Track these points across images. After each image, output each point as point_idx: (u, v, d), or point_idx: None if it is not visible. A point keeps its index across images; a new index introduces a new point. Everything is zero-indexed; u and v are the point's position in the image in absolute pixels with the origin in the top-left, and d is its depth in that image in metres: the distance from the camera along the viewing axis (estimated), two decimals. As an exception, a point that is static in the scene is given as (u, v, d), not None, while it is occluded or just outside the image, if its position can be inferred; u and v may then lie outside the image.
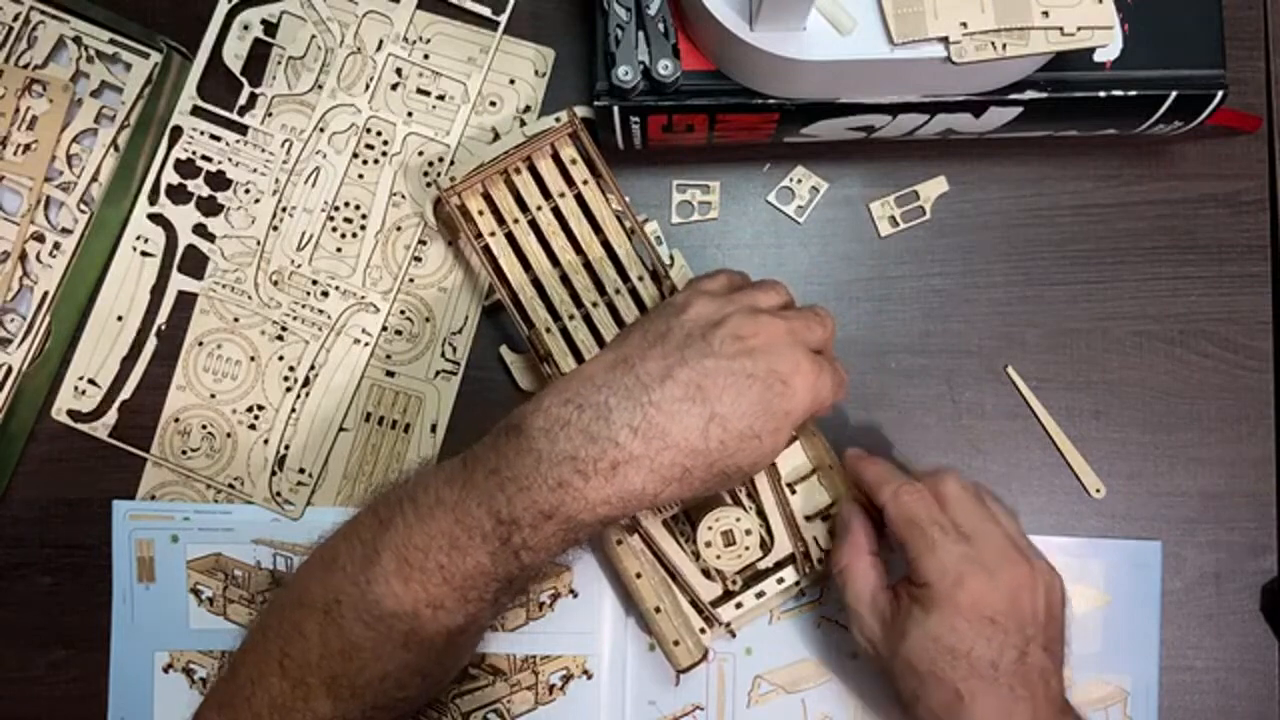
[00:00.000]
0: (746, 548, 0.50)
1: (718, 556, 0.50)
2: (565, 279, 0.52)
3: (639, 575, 0.49)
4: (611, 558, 0.50)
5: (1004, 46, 0.45)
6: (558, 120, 0.52)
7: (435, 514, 0.41)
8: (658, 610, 0.49)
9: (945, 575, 0.43)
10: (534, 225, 0.52)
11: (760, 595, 0.51)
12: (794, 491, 0.51)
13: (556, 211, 0.52)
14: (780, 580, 0.51)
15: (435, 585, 0.41)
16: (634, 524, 0.50)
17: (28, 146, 0.55)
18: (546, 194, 0.52)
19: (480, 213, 0.52)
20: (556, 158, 0.52)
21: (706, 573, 0.51)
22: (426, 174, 0.56)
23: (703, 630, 0.50)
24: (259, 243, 0.56)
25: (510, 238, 0.52)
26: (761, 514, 0.51)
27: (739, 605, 0.51)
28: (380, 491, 0.48)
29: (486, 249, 0.52)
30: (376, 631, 0.41)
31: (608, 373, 0.42)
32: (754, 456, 0.42)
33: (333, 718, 0.42)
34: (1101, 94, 0.49)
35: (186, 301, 0.56)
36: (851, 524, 0.48)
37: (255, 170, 0.56)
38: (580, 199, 0.52)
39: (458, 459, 0.44)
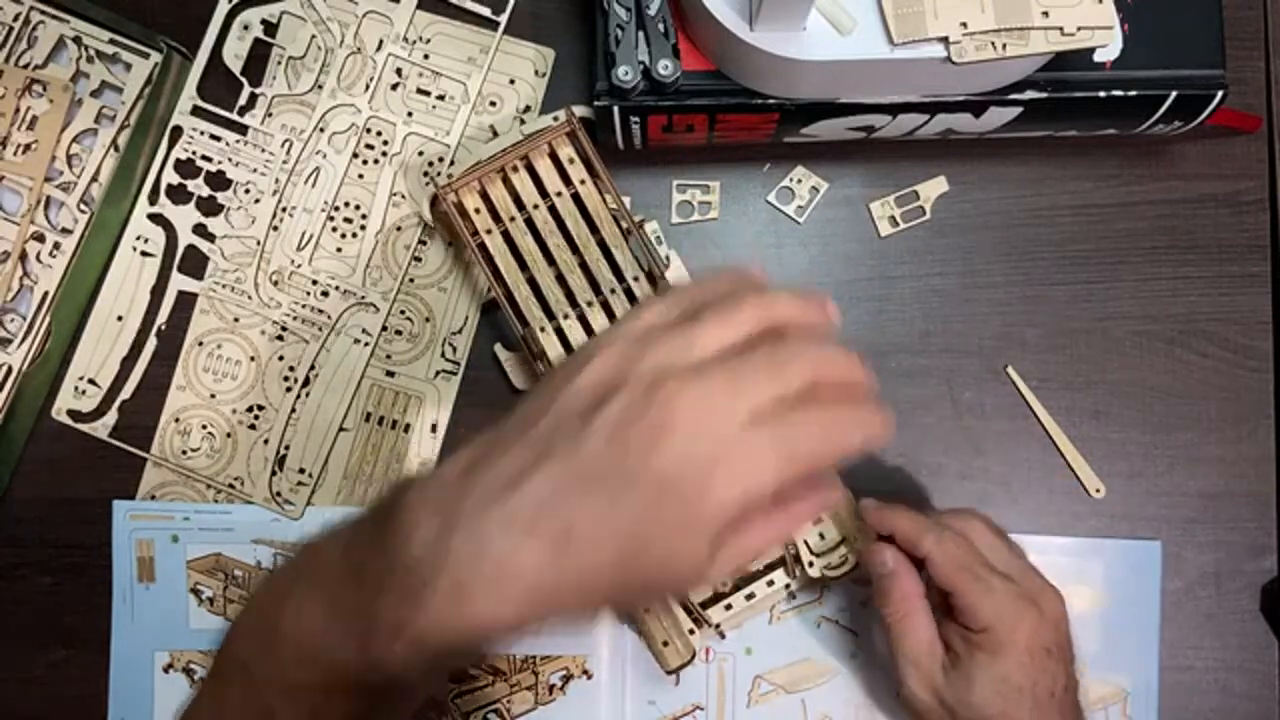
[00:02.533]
0: None
1: None
2: (561, 278, 0.52)
3: None
4: None
5: (1004, 46, 0.45)
6: (555, 120, 0.52)
7: (304, 607, 0.35)
8: (646, 611, 0.49)
9: (1003, 617, 0.44)
10: (530, 224, 0.52)
11: (750, 597, 0.51)
12: None
13: (553, 210, 0.52)
14: (770, 583, 0.51)
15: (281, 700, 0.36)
16: None
17: (28, 146, 0.55)
18: (544, 193, 0.52)
19: (477, 210, 0.52)
20: (554, 157, 0.52)
21: None
22: (426, 174, 0.56)
23: (692, 631, 0.50)
24: (259, 243, 0.56)
25: (506, 236, 0.52)
26: None
27: (729, 607, 0.51)
28: (297, 549, 0.41)
29: (482, 247, 0.52)
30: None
31: (467, 472, 0.34)
32: (652, 580, 0.33)
33: None
34: (1101, 94, 0.49)
35: (186, 301, 0.56)
36: (899, 571, 0.46)
37: (255, 170, 0.56)
38: (577, 198, 0.52)
39: (349, 527, 0.37)
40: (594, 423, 0.32)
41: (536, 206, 0.52)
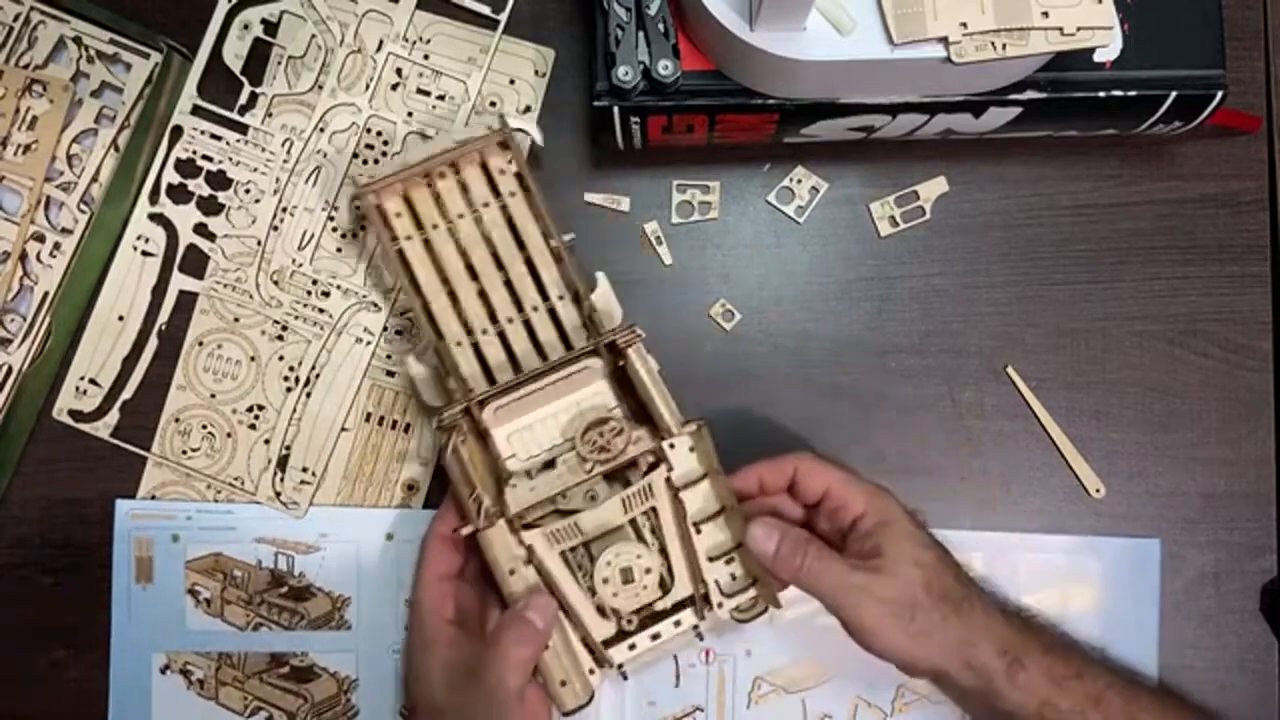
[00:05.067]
0: (645, 587, 0.47)
1: (614, 594, 0.47)
2: (483, 293, 0.50)
3: None
4: (502, 590, 0.47)
5: (1004, 46, 0.45)
6: (497, 127, 0.50)
7: None
8: (546, 648, 0.47)
9: (871, 495, 0.48)
10: (453, 234, 0.50)
11: (656, 637, 0.48)
12: (699, 531, 0.48)
13: (479, 222, 0.50)
14: (678, 623, 0.48)
15: None
16: (530, 555, 0.47)
17: (28, 146, 0.55)
18: (470, 203, 0.50)
19: (398, 214, 0.50)
20: (485, 167, 0.51)
21: (601, 610, 0.48)
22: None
23: (592, 671, 0.48)
24: (260, 242, 0.56)
25: (428, 244, 0.50)
26: (664, 551, 0.48)
27: (632, 646, 0.48)
28: None
29: (401, 253, 0.50)
30: None
31: None
32: None
33: None
34: (1101, 94, 0.50)
35: (187, 301, 0.56)
36: (785, 530, 0.46)
37: (256, 169, 0.56)
38: (505, 210, 0.50)
39: None
40: None
41: (462, 216, 0.50)
